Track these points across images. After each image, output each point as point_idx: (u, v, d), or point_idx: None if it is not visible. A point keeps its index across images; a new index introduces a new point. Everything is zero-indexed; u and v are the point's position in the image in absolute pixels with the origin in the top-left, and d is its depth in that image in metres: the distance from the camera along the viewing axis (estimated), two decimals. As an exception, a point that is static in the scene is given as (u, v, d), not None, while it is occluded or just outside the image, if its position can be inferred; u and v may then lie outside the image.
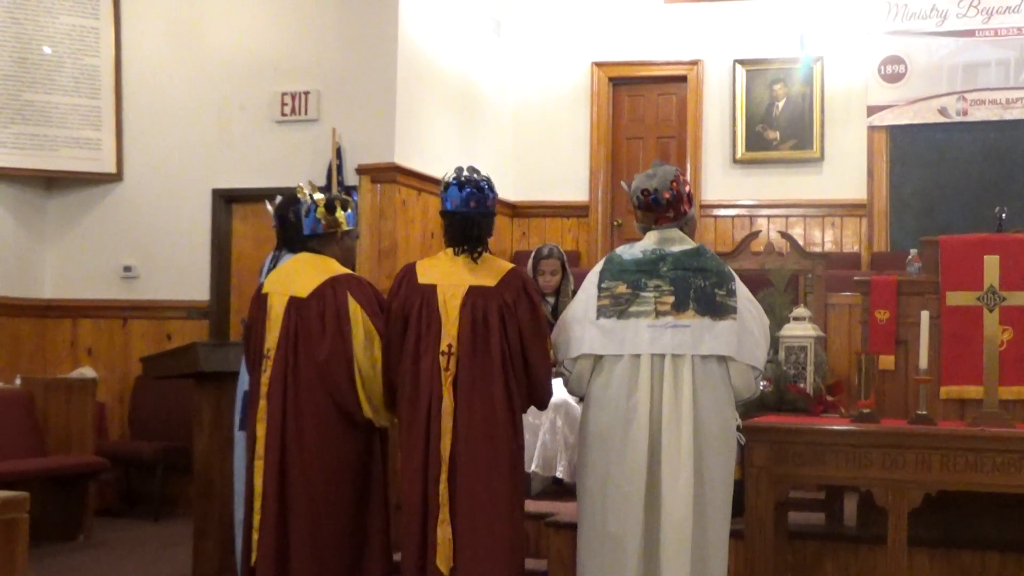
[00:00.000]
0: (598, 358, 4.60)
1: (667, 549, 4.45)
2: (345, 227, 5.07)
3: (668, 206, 4.69)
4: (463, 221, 4.72)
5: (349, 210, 5.10)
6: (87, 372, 9.65)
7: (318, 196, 5.11)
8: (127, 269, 9.98)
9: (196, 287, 9.79)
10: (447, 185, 4.75)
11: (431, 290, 4.67)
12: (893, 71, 10.92)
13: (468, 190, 4.71)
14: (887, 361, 6.15)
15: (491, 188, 4.76)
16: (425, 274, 4.73)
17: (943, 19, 10.84)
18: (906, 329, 6.10)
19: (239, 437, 5.54)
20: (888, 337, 6.18)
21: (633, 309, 4.56)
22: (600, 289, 4.64)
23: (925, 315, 5.49)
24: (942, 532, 5.75)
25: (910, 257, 7.75)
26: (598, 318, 4.59)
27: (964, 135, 10.80)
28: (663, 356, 4.52)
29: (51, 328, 10.05)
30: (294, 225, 5.56)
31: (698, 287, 4.57)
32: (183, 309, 9.81)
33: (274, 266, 5.53)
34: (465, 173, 4.76)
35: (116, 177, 10.03)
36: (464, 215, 4.72)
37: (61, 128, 9.86)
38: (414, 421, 4.61)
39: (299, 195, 5.33)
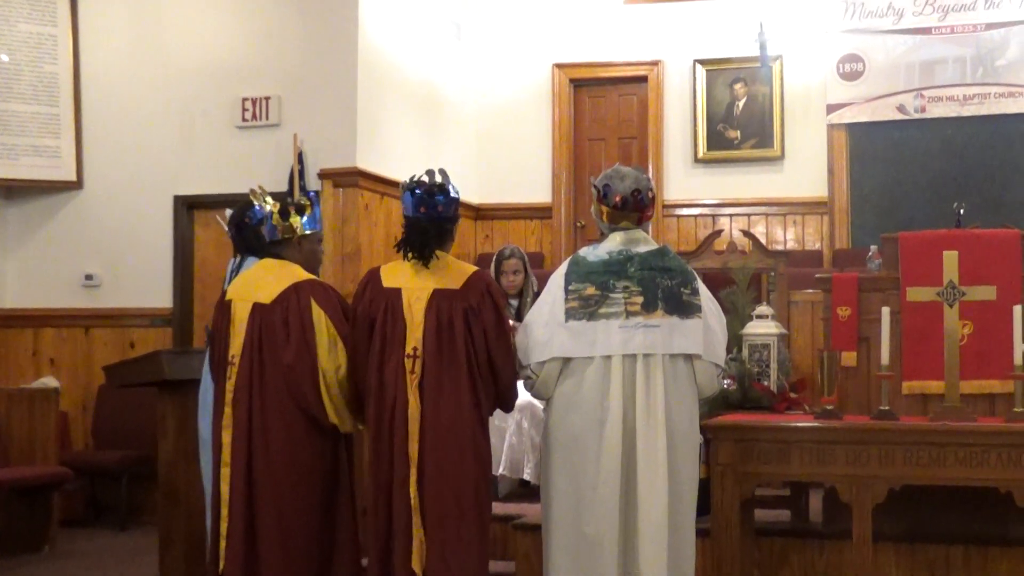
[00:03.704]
0: (566, 361, 4.61)
1: (645, 549, 4.49)
2: (301, 232, 5.05)
3: (650, 205, 4.75)
4: (411, 227, 4.74)
5: (307, 214, 5.07)
6: (50, 382, 9.59)
7: (271, 202, 5.11)
8: (89, 277, 9.91)
9: (159, 294, 9.74)
10: (402, 190, 4.77)
11: (396, 294, 4.68)
12: (851, 69, 11.00)
13: (418, 196, 4.72)
14: (849, 357, 6.17)
15: (444, 193, 4.73)
16: (390, 278, 4.74)
17: (900, 17, 10.92)
18: (868, 325, 6.13)
19: (204, 444, 5.52)
20: (850, 334, 6.21)
21: (603, 310, 4.58)
22: (567, 291, 4.64)
23: (886, 311, 5.53)
24: (907, 527, 5.79)
25: (871, 254, 7.80)
26: (567, 320, 4.60)
27: (922, 132, 10.88)
28: (634, 356, 4.55)
29: (12, 338, 9.97)
30: (252, 230, 5.55)
31: (665, 287, 4.60)
32: (146, 317, 9.76)
33: (237, 271, 5.51)
34: (421, 177, 4.76)
35: (76, 185, 9.97)
36: (414, 221, 4.73)
37: (20, 136, 9.79)
38: (380, 424, 4.63)
39: (252, 199, 5.32)
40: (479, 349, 4.62)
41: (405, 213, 4.77)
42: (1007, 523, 5.57)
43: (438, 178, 4.76)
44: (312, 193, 5.22)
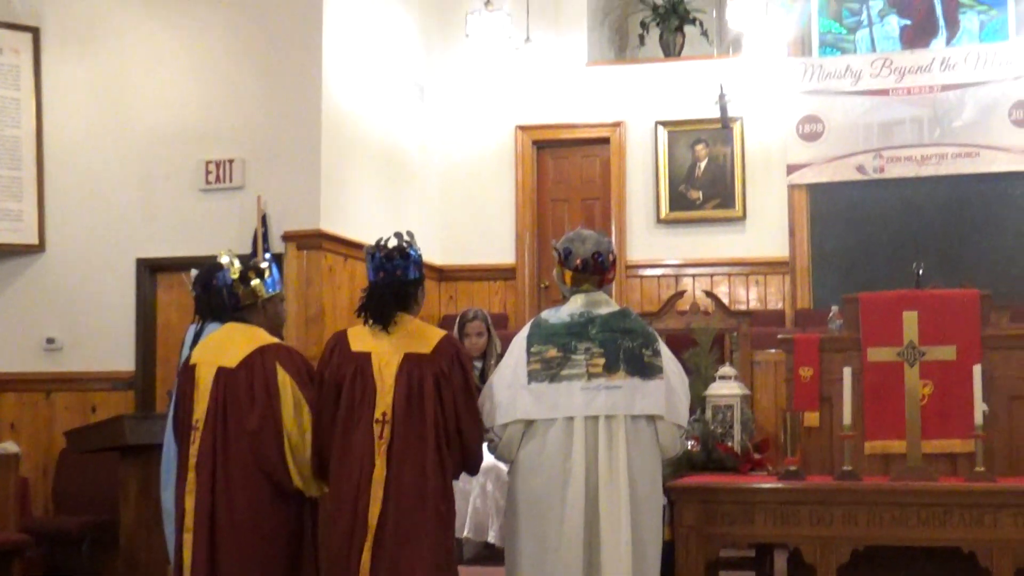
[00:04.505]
0: (529, 423, 4.62)
1: (609, 611, 4.47)
2: (264, 295, 5.06)
3: (611, 267, 4.78)
4: (370, 292, 4.75)
5: (267, 276, 5.08)
6: (10, 447, 9.46)
7: (236, 267, 5.11)
8: (50, 341, 9.83)
9: (121, 358, 9.66)
10: (365, 255, 4.78)
11: (365, 358, 4.67)
12: (811, 130, 11.12)
13: (378, 260, 4.73)
14: (812, 418, 6.21)
15: (404, 256, 4.73)
16: (358, 342, 4.73)
17: (858, 79, 11.07)
18: (830, 386, 6.17)
19: (168, 516, 5.47)
20: (812, 394, 6.24)
21: (565, 372, 4.60)
22: (529, 353, 4.66)
23: (847, 372, 5.58)
24: (871, 587, 5.80)
25: (832, 314, 7.85)
26: (529, 382, 4.61)
27: (881, 192, 11.01)
28: (596, 418, 4.56)
29: (-27, 402, 9.88)
30: (218, 293, 5.54)
31: (627, 348, 4.62)
32: (108, 381, 9.68)
33: (196, 339, 5.49)
34: (383, 241, 4.77)
35: (38, 248, 9.91)
36: (373, 285, 4.74)
37: (-18, 200, 9.76)
38: (343, 488, 4.60)
39: (221, 262, 5.32)
40: (448, 414, 4.62)
41: (368, 277, 4.78)
42: (970, 583, 5.58)
43: (395, 241, 4.76)
44: (268, 255, 5.23)
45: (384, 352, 4.66)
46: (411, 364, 4.64)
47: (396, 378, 4.62)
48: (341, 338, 4.78)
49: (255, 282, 5.04)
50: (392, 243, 4.77)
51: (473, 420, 4.68)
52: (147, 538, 6.28)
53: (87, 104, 9.95)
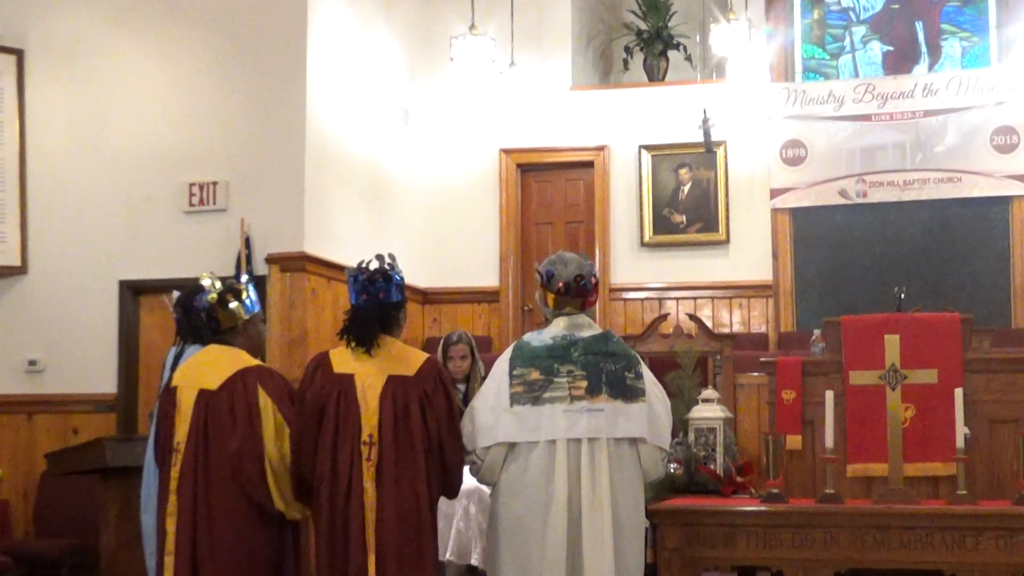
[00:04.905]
0: (511, 445, 4.62)
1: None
2: (244, 317, 5.05)
3: (593, 290, 4.79)
4: (352, 314, 4.75)
5: (244, 297, 5.07)
6: (-10, 469, 9.46)
7: (213, 295, 5.09)
8: (32, 363, 9.81)
9: (103, 380, 9.64)
10: (347, 277, 4.78)
11: (348, 380, 4.66)
12: (794, 155, 11.17)
13: (360, 283, 4.73)
14: (794, 441, 6.22)
15: (386, 279, 4.73)
16: (340, 364, 4.72)
17: (840, 104, 11.12)
18: (812, 409, 6.19)
19: (148, 539, 5.44)
20: (795, 417, 6.26)
21: (547, 395, 4.60)
22: (512, 376, 4.66)
23: (830, 395, 5.59)
24: (853, 610, 5.80)
25: (814, 338, 7.88)
26: (512, 405, 4.62)
27: (864, 216, 11.05)
28: (579, 440, 4.56)
29: (-46, 425, 9.84)
30: (199, 315, 5.53)
31: (609, 371, 4.63)
32: (90, 403, 9.64)
33: (176, 361, 5.48)
34: (364, 264, 4.77)
35: (21, 270, 9.90)
36: (355, 308, 4.74)
37: (-35, 222, 9.75)
38: (334, 512, 4.58)
39: (203, 284, 5.31)
40: (431, 436, 4.62)
41: (350, 300, 4.78)
42: (952, 606, 5.58)
43: (377, 264, 4.77)
44: (243, 277, 5.22)
45: (367, 374, 4.65)
46: (395, 386, 4.63)
47: (380, 400, 4.61)
48: (323, 360, 4.77)
49: (234, 304, 5.03)
50: (374, 265, 4.76)
51: (455, 443, 4.68)
52: (127, 561, 6.23)
53: (71, 126, 9.95)
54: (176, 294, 5.85)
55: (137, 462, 5.95)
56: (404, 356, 4.73)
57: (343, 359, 4.73)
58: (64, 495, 9.27)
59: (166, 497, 4.83)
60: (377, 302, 4.72)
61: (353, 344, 4.71)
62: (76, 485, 8.56)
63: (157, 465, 5.06)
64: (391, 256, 4.81)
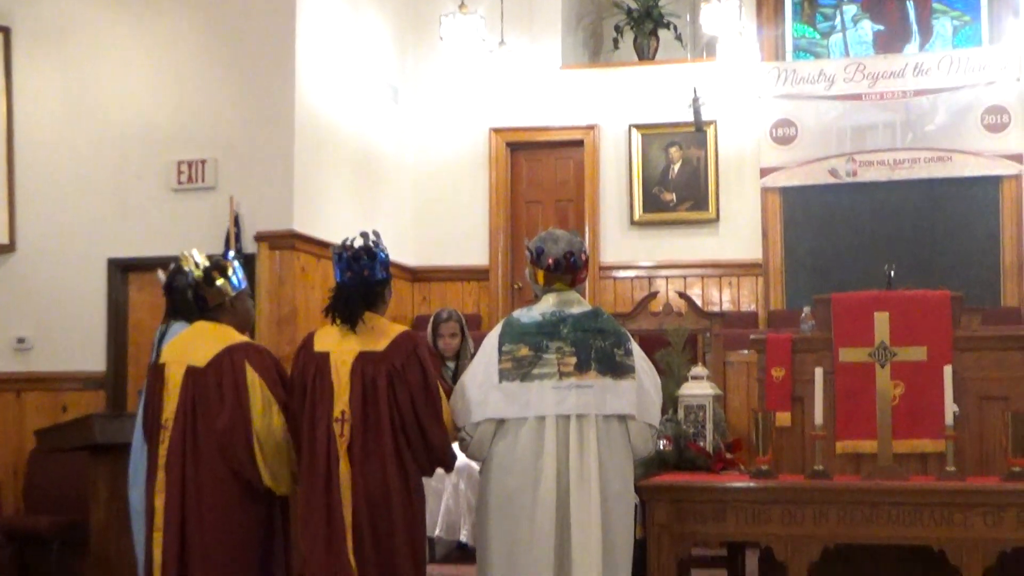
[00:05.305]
0: (500, 422, 4.61)
1: (579, 610, 4.47)
2: (230, 294, 5.03)
3: (583, 267, 4.78)
4: (337, 292, 4.75)
5: (230, 273, 5.05)
6: (-20, 448, 9.44)
7: (198, 272, 5.08)
8: (20, 341, 9.78)
9: (92, 358, 9.62)
10: (332, 255, 4.78)
11: (324, 358, 4.69)
12: (784, 134, 11.16)
13: (345, 260, 4.73)
14: (784, 418, 6.21)
15: (370, 256, 4.73)
16: (320, 342, 4.75)
17: (831, 83, 11.11)
18: (802, 386, 6.18)
19: (136, 515, 5.44)
20: (784, 394, 6.26)
21: (536, 371, 4.60)
22: (501, 352, 4.66)
23: (819, 372, 5.60)
24: (842, 585, 5.82)
25: (804, 315, 7.88)
26: (500, 381, 4.61)
27: (854, 195, 11.06)
28: (568, 417, 4.56)
29: (-58, 403, 9.82)
30: (183, 294, 5.52)
31: (598, 348, 4.63)
32: (79, 380, 9.63)
33: (160, 340, 5.48)
34: (349, 241, 4.76)
35: (9, 248, 9.86)
36: (340, 286, 4.74)
37: (-49, 200, 9.71)
38: (313, 488, 4.60)
39: (183, 264, 5.30)
40: (405, 411, 4.61)
41: (335, 278, 4.78)
42: (940, 581, 5.60)
43: (361, 241, 4.76)
44: (229, 254, 5.20)
45: (341, 351, 4.67)
46: (365, 362, 4.64)
47: (351, 377, 4.62)
48: (308, 339, 4.82)
49: (220, 282, 5.01)
50: (359, 243, 4.76)
51: (434, 417, 4.65)
52: (117, 538, 6.23)
53: (58, 104, 9.90)
54: (173, 265, 5.83)
55: (126, 439, 5.95)
56: (380, 331, 4.73)
57: (325, 337, 4.76)
58: (54, 472, 9.25)
59: (154, 474, 4.83)
60: (361, 279, 4.72)
61: (338, 321, 4.71)
62: (66, 462, 8.54)
63: (145, 442, 5.06)
64: (376, 233, 4.80)
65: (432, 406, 4.65)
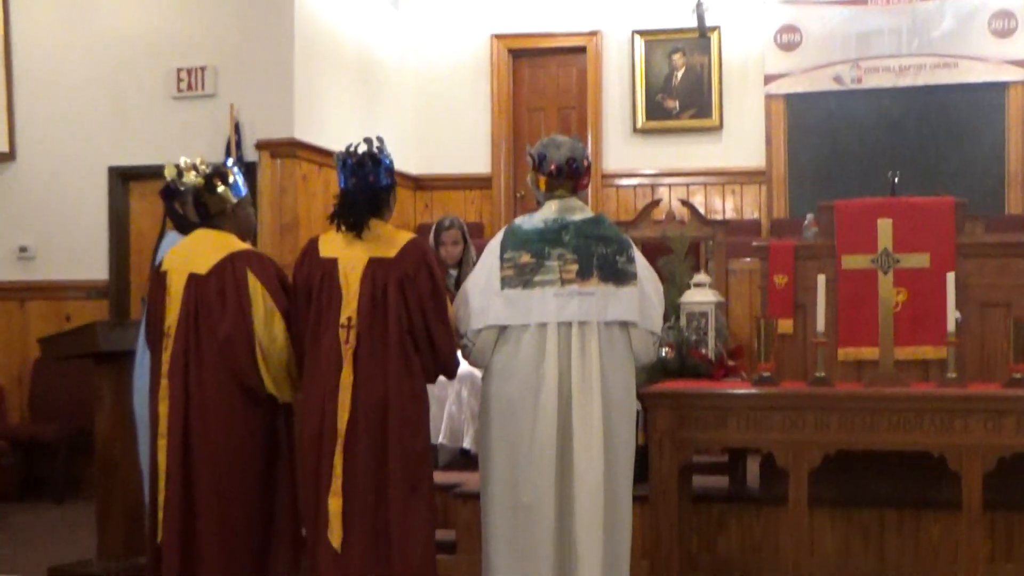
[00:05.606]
0: (502, 328, 4.61)
1: (581, 516, 4.51)
2: (232, 201, 5.00)
3: (585, 173, 4.75)
4: (342, 198, 4.71)
5: (231, 180, 5.01)
6: (-15, 356, 9.49)
7: (191, 180, 5.04)
8: (23, 250, 9.80)
9: (94, 266, 9.65)
10: (336, 161, 4.74)
11: (332, 263, 4.65)
12: (788, 40, 11.05)
13: (349, 166, 4.68)
14: (786, 325, 6.23)
15: (375, 162, 4.68)
16: (327, 247, 4.71)
17: (836, -12, 10.99)
18: (804, 293, 6.19)
19: (141, 423, 5.47)
20: (787, 301, 6.26)
21: (538, 278, 4.58)
22: (503, 260, 4.64)
23: (822, 279, 5.59)
24: (841, 491, 5.87)
25: (807, 222, 7.86)
26: (502, 288, 4.60)
27: (859, 102, 10.97)
28: (569, 324, 4.56)
29: (-54, 311, 9.85)
30: (171, 205, 5.50)
31: (600, 255, 4.61)
32: (82, 289, 9.66)
33: (156, 250, 5.46)
34: (353, 147, 4.72)
35: (9, 156, 9.83)
36: (345, 192, 4.70)
37: (-50, 108, 9.66)
38: (314, 394, 4.61)
39: (167, 175, 5.27)
40: (415, 318, 4.60)
41: (339, 184, 4.75)
42: (940, 486, 5.64)
43: (365, 147, 4.71)
44: (229, 161, 5.16)
45: (350, 257, 4.64)
46: (375, 268, 4.61)
47: (360, 283, 4.60)
48: (312, 244, 4.77)
49: (221, 189, 4.98)
50: (362, 149, 4.72)
51: (442, 324, 4.65)
52: (122, 444, 6.28)
53: (57, 12, 9.82)
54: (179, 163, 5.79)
55: (129, 346, 5.98)
56: (388, 238, 4.69)
57: (331, 243, 4.71)
58: (58, 380, 9.31)
59: (158, 381, 4.84)
60: (366, 185, 4.68)
61: (343, 228, 4.69)
62: (70, 370, 8.58)
63: (149, 350, 5.07)
64: (379, 139, 4.76)
65: (441, 313, 4.64)
